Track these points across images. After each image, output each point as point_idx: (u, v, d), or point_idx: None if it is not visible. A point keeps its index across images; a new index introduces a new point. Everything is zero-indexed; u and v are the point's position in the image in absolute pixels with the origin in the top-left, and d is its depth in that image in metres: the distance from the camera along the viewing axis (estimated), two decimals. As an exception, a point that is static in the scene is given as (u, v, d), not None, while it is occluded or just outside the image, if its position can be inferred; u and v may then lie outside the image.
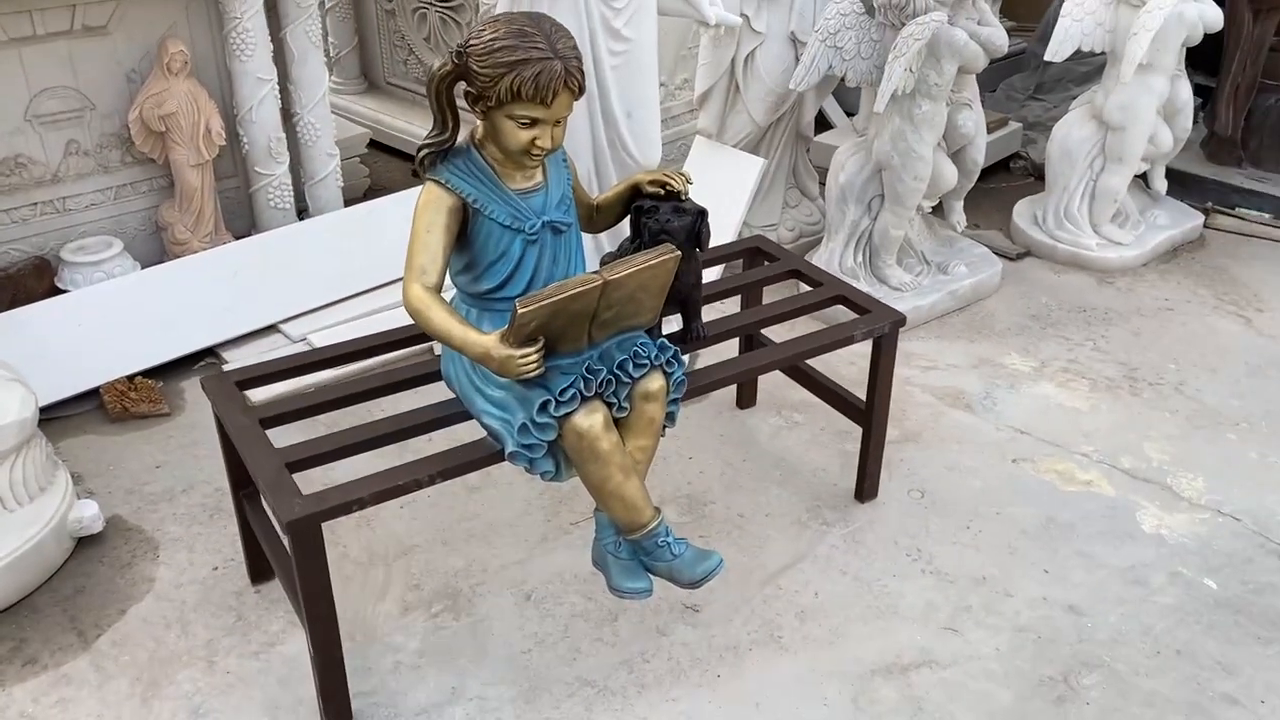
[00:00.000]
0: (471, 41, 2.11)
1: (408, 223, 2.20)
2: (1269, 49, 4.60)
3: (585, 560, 2.78)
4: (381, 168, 5.14)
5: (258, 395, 2.92)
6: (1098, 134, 4.21)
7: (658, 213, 2.40)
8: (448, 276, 2.25)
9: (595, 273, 2.11)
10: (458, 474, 2.20)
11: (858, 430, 3.08)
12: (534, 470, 2.21)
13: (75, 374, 3.36)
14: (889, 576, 2.75)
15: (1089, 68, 5.57)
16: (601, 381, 2.17)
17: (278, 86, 3.81)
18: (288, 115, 3.94)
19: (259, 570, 2.68)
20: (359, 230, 3.92)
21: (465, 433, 2.39)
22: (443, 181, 2.19)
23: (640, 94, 3.07)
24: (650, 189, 2.43)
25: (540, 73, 2.07)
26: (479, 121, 2.21)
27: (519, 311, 2.03)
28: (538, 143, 2.15)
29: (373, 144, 5.12)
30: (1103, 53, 4.15)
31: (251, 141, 3.82)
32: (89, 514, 2.78)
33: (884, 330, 2.73)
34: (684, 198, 2.42)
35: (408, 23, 5.29)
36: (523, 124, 2.13)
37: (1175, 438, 3.29)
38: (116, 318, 3.48)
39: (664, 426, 2.35)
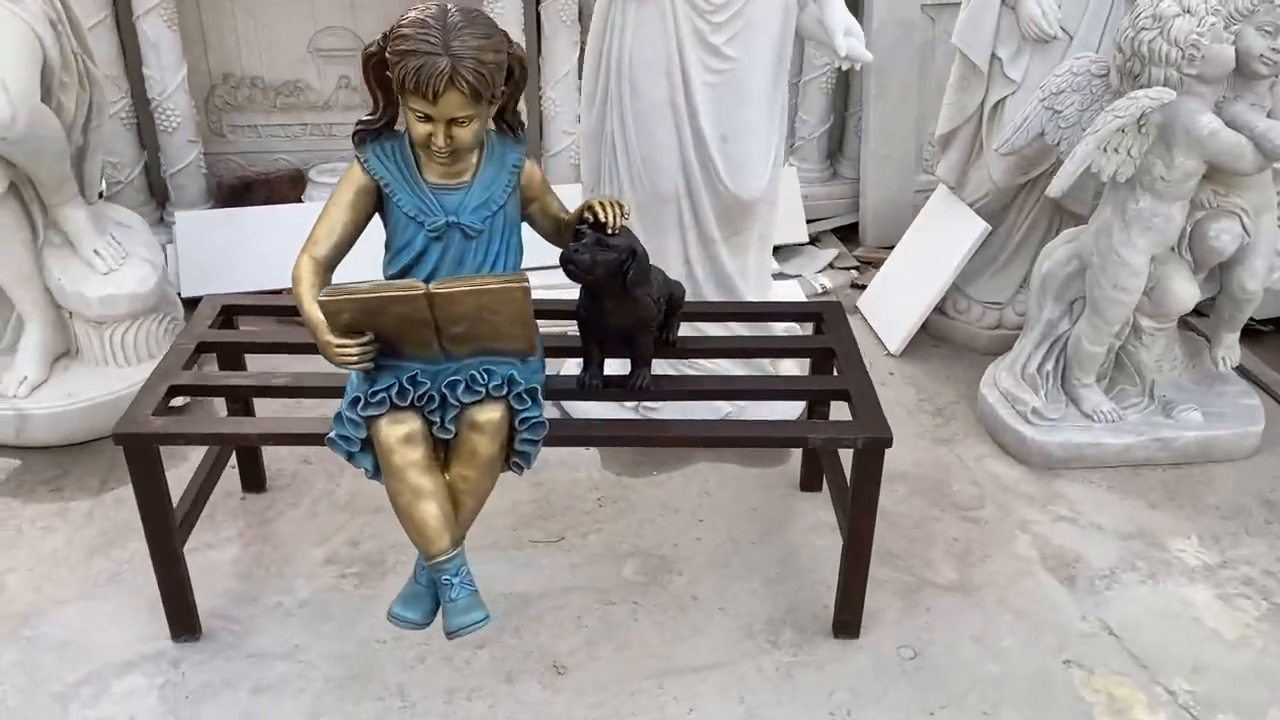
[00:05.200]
0: (394, 24, 2.09)
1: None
2: None
3: (510, 575, 2.69)
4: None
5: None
6: None
7: (579, 243, 2.19)
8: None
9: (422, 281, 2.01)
10: (282, 443, 2.25)
11: (908, 553, 2.62)
12: (354, 464, 2.16)
13: (276, 274, 3.84)
14: (787, 727, 2.31)
15: None
16: (423, 395, 2.07)
17: (523, 57, 3.98)
18: (532, 87, 4.11)
19: (250, 479, 2.92)
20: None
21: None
22: (363, 161, 2.20)
23: (740, 119, 2.77)
24: (587, 216, 2.23)
25: (421, 67, 1.99)
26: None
27: (319, 299, 2.00)
28: (433, 139, 2.07)
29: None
30: None
31: (491, 104, 4.04)
32: (175, 389, 3.20)
33: (856, 445, 2.25)
34: (611, 232, 2.19)
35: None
36: (419, 118, 2.07)
37: (1331, 722, 2.34)
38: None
39: (515, 466, 2.18)
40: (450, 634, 2.07)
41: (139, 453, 2.22)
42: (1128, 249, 2.86)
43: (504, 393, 2.09)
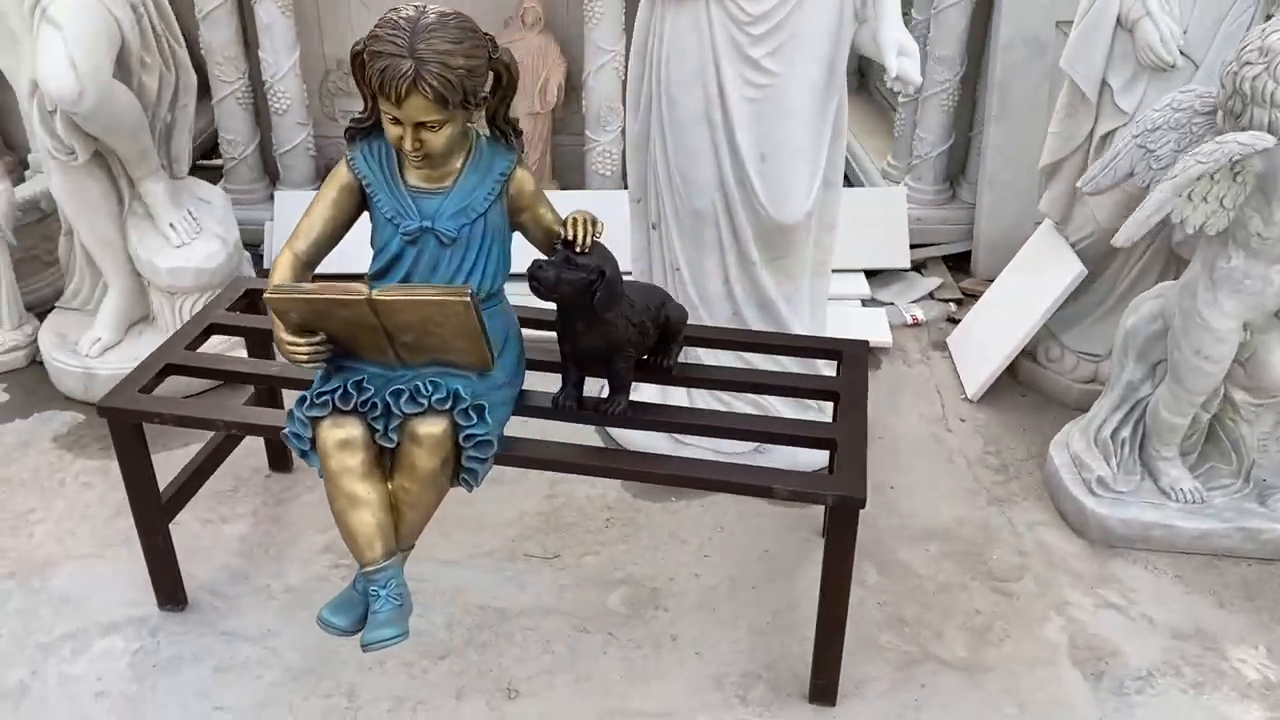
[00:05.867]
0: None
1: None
2: None
3: (494, 587, 2.65)
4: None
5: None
6: None
7: (546, 259, 2.10)
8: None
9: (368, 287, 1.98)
10: (251, 433, 2.27)
11: (919, 620, 2.45)
12: (308, 463, 2.16)
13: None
14: (727, 793, 2.16)
15: None
16: (367, 401, 2.04)
17: (623, 59, 3.91)
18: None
19: (276, 459, 2.99)
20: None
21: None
22: (349, 159, 2.19)
23: (781, 138, 2.59)
24: (561, 232, 2.14)
25: (386, 69, 1.95)
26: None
27: (265, 296, 2.00)
28: (403, 142, 2.04)
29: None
30: None
31: (588, 106, 4.00)
32: (233, 362, 3.32)
33: (826, 501, 2.07)
34: (581, 250, 2.09)
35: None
36: (390, 120, 2.04)
37: None
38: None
39: (464, 482, 2.13)
40: (364, 647, 2.04)
41: (122, 426, 2.29)
42: (1212, 311, 2.52)
43: (447, 406, 2.03)
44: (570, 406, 2.29)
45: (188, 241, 3.27)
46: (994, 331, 3.44)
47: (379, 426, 2.05)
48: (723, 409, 2.95)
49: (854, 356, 2.48)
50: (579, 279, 2.08)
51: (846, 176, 4.85)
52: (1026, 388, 3.44)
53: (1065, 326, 3.37)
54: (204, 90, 4.00)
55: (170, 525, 2.70)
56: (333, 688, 2.38)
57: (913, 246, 4.10)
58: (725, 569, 2.71)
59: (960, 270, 4.16)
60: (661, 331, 2.34)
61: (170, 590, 2.52)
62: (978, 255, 4.07)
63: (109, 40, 2.87)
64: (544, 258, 2.11)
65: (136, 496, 2.38)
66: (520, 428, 2.40)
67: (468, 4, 3.98)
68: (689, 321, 2.83)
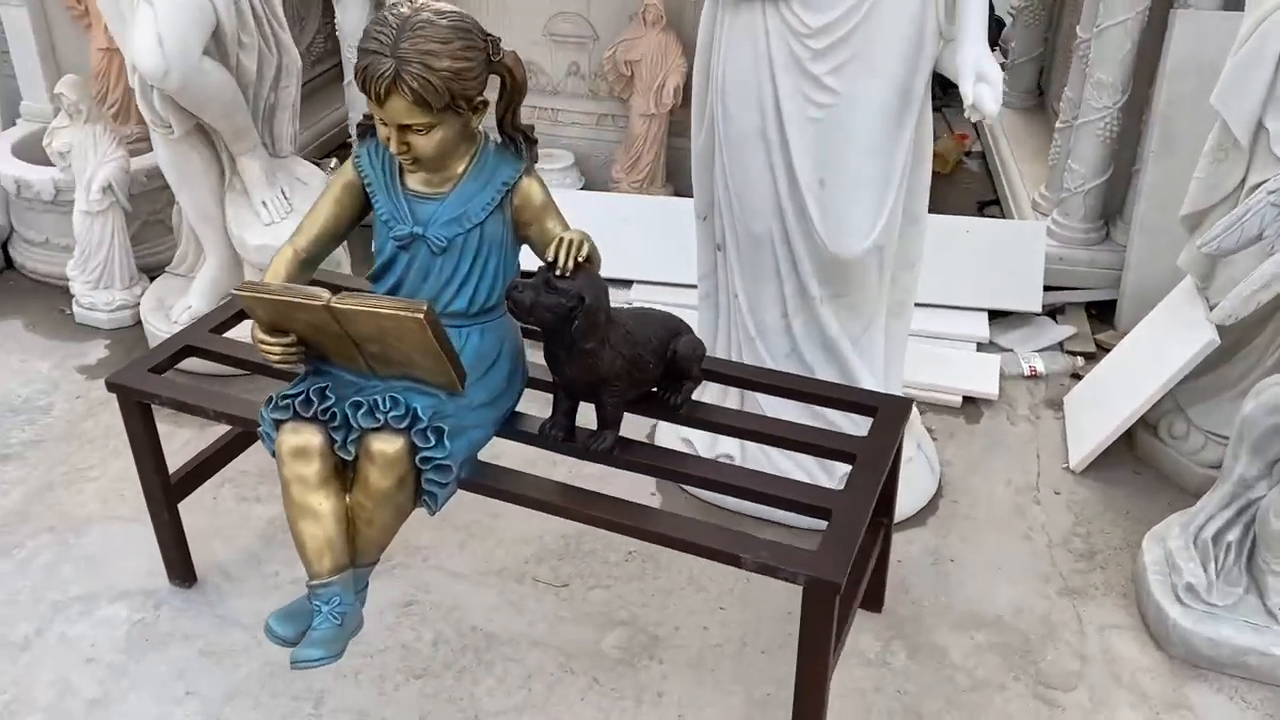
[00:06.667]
0: (379, 17, 1.98)
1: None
2: None
3: (491, 609, 2.56)
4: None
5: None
6: None
7: (526, 280, 1.96)
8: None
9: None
10: (236, 424, 2.24)
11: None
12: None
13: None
14: None
15: None
16: (327, 410, 1.96)
17: (745, 62, 3.70)
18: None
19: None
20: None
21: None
22: (355, 157, 2.13)
23: (844, 164, 2.32)
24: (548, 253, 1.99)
25: (367, 67, 1.89)
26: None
27: (232, 290, 1.96)
28: (390, 143, 1.95)
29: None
30: None
31: (706, 109, 3.81)
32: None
33: (796, 580, 1.83)
34: (559, 273, 1.93)
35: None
36: (379, 120, 1.96)
37: None
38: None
39: (425, 504, 2.02)
40: (291, 663, 1.96)
41: (129, 404, 2.32)
42: (1335, 410, 2.10)
43: (404, 425, 1.92)
44: (557, 436, 2.14)
45: (277, 220, 3.32)
46: (1111, 396, 3.04)
47: (338, 437, 1.97)
48: (785, 460, 2.71)
49: (890, 415, 2.21)
50: (556, 304, 1.93)
51: (997, 202, 4.49)
52: (1142, 465, 3.02)
53: (1195, 400, 2.93)
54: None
55: (210, 498, 2.77)
56: (303, 690, 2.34)
57: (1052, 289, 3.70)
58: (738, 626, 2.50)
59: (1103, 321, 3.71)
60: (669, 366, 2.16)
61: (179, 567, 2.55)
62: (1122, 306, 3.62)
63: (201, 20, 2.92)
64: (522, 279, 1.97)
65: (144, 474, 2.41)
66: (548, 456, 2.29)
67: (593, 1, 3.93)
68: (742, 359, 2.65)
